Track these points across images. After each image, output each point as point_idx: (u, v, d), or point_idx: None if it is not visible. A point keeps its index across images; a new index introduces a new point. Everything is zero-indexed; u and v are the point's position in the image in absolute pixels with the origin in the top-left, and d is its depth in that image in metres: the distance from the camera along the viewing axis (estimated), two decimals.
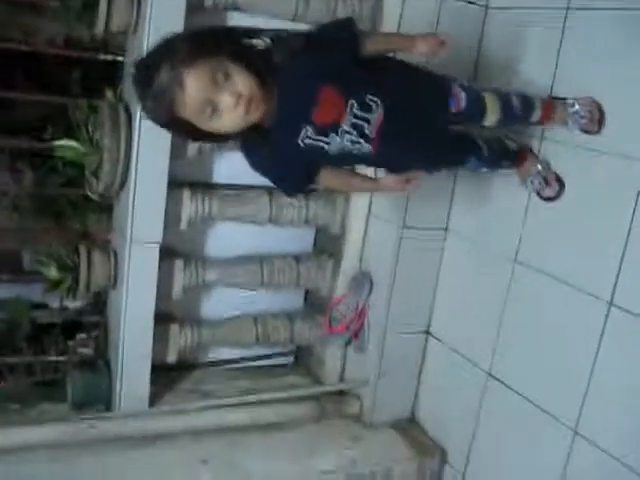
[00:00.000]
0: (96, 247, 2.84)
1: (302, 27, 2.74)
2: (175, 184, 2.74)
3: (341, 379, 3.19)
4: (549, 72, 2.56)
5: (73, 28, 2.79)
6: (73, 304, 2.99)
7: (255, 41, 1.82)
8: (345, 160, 1.98)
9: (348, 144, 1.89)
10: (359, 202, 3.04)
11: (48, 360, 2.93)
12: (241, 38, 1.81)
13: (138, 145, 2.61)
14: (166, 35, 1.73)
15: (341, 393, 3.15)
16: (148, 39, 2.55)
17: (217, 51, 1.67)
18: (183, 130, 1.76)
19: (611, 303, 2.33)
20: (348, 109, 1.85)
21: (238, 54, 1.70)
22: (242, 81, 1.67)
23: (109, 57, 2.89)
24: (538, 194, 2.54)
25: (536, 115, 2.36)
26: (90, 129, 2.71)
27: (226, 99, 1.65)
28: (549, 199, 2.52)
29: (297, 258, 3.09)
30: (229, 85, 1.65)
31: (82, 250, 2.78)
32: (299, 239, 3.19)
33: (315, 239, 3.25)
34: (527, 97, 2.36)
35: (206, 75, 1.62)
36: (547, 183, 2.49)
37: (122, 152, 2.60)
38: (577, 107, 2.37)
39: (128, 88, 2.73)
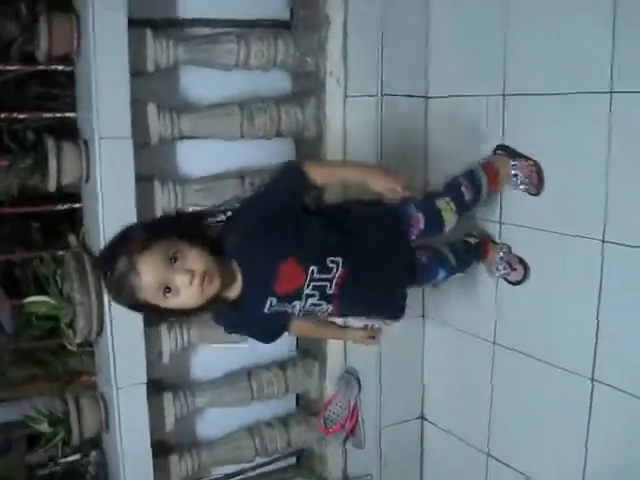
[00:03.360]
0: (83, 393, 2.84)
1: (247, 150, 2.84)
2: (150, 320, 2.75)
3: (345, 475, 3.19)
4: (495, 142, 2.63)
5: (26, 182, 2.81)
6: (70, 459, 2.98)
7: (209, 219, 1.86)
8: (311, 314, 2.02)
9: (310, 307, 1.94)
10: None
11: None
12: (194, 219, 1.86)
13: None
14: (124, 226, 1.80)
15: None
16: (101, 185, 2.59)
17: (169, 233, 1.74)
18: (149, 311, 1.82)
19: (593, 379, 2.37)
20: (309, 276, 1.90)
21: (189, 233, 1.77)
22: (194, 258, 1.72)
23: (66, 206, 2.90)
24: (505, 279, 2.60)
25: (484, 184, 2.41)
26: (58, 281, 2.74)
27: (180, 278, 1.70)
28: (517, 283, 2.58)
29: (282, 366, 3.10)
30: (181, 264, 1.71)
31: (70, 399, 2.78)
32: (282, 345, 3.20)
33: (297, 342, 3.26)
34: (472, 172, 2.43)
35: (159, 258, 1.68)
36: (512, 268, 2.55)
37: (94, 303, 2.62)
38: (516, 172, 2.47)
39: (89, 235, 2.77)
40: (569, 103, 2.35)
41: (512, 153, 2.51)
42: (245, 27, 2.81)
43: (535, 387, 2.58)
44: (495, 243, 2.62)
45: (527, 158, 2.47)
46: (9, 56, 2.74)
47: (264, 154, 2.89)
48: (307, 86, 2.92)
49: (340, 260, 1.93)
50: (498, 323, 2.69)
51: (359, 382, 3.00)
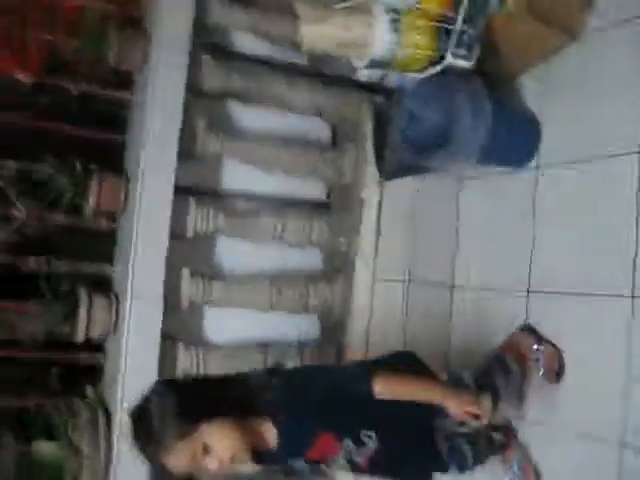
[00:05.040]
0: None
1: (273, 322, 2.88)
2: None
3: None
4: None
5: (54, 330, 2.86)
6: None
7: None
8: None
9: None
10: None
11: None
12: (226, 388, 1.86)
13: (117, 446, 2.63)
14: (148, 393, 1.78)
15: None
16: (127, 341, 2.64)
17: (194, 426, 1.71)
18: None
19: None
20: (343, 449, 1.91)
21: (221, 409, 1.75)
22: (223, 448, 1.72)
23: (89, 357, 2.94)
24: None
25: (510, 358, 2.38)
26: (69, 431, 2.73)
27: (209, 467, 1.72)
28: None
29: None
30: (210, 456, 1.71)
31: None
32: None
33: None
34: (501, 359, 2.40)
35: (185, 457, 1.69)
36: (525, 473, 2.50)
37: (102, 459, 2.61)
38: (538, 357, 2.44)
39: (107, 388, 2.79)
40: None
41: (538, 337, 2.51)
42: (283, 204, 2.95)
43: None
44: (518, 444, 2.57)
45: (552, 345, 2.46)
46: (56, 208, 2.87)
47: (289, 328, 2.94)
48: (338, 265, 3.01)
49: (373, 435, 1.93)
50: None
51: None
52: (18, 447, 2.92)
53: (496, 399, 2.29)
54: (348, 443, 1.91)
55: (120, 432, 2.60)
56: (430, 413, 2.11)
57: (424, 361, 2.20)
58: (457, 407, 1.99)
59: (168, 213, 2.68)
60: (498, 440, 2.51)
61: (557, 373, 2.44)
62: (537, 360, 2.45)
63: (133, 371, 2.62)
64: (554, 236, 2.54)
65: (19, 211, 2.84)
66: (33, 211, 2.86)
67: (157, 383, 1.83)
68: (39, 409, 2.93)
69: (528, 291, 2.65)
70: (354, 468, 1.97)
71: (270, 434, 1.84)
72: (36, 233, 2.99)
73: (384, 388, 1.92)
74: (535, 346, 2.46)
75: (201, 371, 2.69)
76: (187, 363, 2.69)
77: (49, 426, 2.87)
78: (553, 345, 2.46)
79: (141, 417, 1.75)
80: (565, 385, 2.43)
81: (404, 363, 2.12)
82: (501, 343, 2.50)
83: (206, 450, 1.71)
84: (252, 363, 2.76)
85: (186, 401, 1.80)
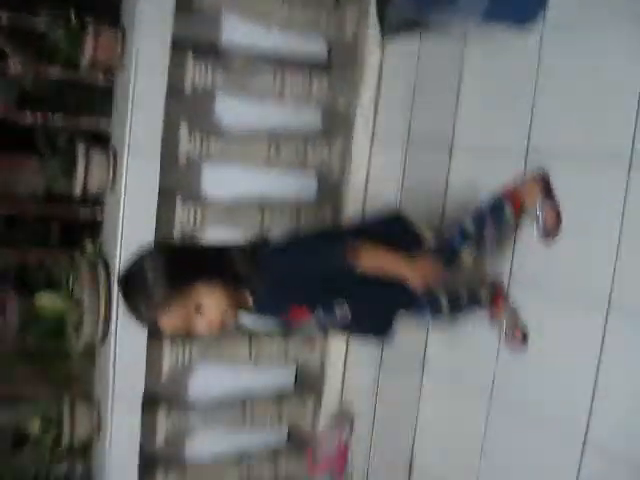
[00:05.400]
0: (80, 398, 2.87)
1: (270, 180, 2.89)
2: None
3: None
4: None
5: (53, 186, 2.87)
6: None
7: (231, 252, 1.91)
8: None
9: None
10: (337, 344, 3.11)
11: None
12: (217, 256, 1.90)
13: (117, 299, 2.67)
14: (141, 254, 1.82)
15: None
16: (125, 197, 2.65)
17: (189, 285, 1.77)
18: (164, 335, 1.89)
19: (584, 443, 2.36)
20: (315, 316, 2.04)
21: (212, 273, 1.81)
22: (214, 309, 1.79)
23: (88, 212, 2.96)
24: (504, 340, 2.60)
25: (508, 210, 2.41)
26: (70, 284, 2.78)
27: (199, 327, 1.80)
28: (514, 349, 2.57)
29: (279, 396, 3.12)
30: (202, 315, 1.78)
31: (65, 402, 2.81)
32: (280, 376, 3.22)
33: (296, 377, 3.27)
34: (498, 207, 2.41)
35: (179, 315, 1.76)
36: (513, 334, 2.55)
37: (102, 310, 2.67)
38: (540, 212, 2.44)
39: (106, 242, 2.82)
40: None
41: (548, 190, 2.51)
42: (283, 61, 2.89)
43: (527, 445, 2.56)
44: (506, 303, 2.61)
45: (555, 202, 2.46)
46: (53, 62, 2.83)
47: (286, 185, 2.95)
48: (336, 125, 2.98)
49: (345, 304, 2.05)
50: (496, 378, 2.68)
51: (352, 423, 3.01)
52: (21, 301, 3.00)
53: (482, 251, 2.34)
54: (319, 312, 2.04)
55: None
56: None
57: (411, 222, 2.25)
58: (415, 279, 2.05)
59: (165, 68, 2.63)
60: (483, 297, 2.57)
61: (553, 232, 2.45)
62: (538, 214, 2.44)
63: (131, 226, 2.64)
64: (556, 100, 2.50)
65: (14, 64, 2.80)
66: (29, 64, 2.82)
67: (147, 247, 1.87)
68: (40, 264, 2.99)
69: (527, 152, 2.63)
70: (323, 329, 2.19)
71: (249, 303, 1.93)
72: (33, 88, 2.96)
73: (367, 259, 1.98)
74: (541, 199, 2.44)
75: (198, 226, 2.72)
76: (184, 218, 2.71)
77: (50, 280, 2.93)
78: (556, 202, 2.45)
79: (135, 276, 1.79)
80: (559, 246, 2.47)
81: (388, 231, 2.17)
82: (505, 188, 2.48)
83: (198, 310, 1.77)
84: (249, 220, 2.80)
85: (178, 263, 1.84)
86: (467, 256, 2.31)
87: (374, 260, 2.00)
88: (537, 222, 2.45)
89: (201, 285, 1.77)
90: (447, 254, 2.26)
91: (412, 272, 2.05)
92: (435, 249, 2.22)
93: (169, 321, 1.75)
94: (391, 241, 2.07)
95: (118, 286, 1.83)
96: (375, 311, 2.20)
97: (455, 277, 2.41)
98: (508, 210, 2.40)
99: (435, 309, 2.40)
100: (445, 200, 2.86)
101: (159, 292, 1.73)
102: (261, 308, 1.97)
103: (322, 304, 2.04)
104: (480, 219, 2.38)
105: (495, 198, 2.44)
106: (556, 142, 2.51)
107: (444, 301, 2.41)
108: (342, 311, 2.06)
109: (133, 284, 1.79)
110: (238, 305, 1.87)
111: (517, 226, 2.53)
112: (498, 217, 2.39)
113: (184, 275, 1.77)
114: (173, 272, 1.77)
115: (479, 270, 2.63)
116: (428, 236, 2.26)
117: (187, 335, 1.83)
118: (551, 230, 2.44)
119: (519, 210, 2.44)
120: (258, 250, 1.94)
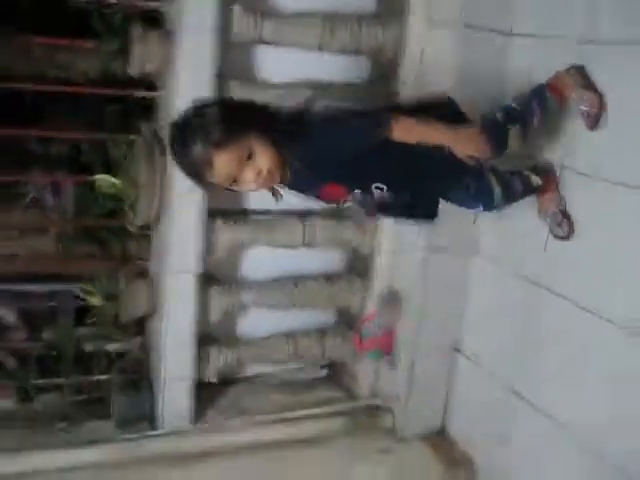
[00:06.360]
0: (136, 275, 2.98)
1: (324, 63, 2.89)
2: (209, 214, 2.85)
3: (374, 394, 3.30)
4: None
5: (109, 67, 2.90)
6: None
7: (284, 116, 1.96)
8: None
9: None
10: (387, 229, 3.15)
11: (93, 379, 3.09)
12: (272, 115, 1.95)
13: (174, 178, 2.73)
14: (199, 103, 1.91)
15: (374, 407, 3.27)
16: (180, 76, 2.67)
17: (245, 132, 1.83)
18: (208, 186, 1.94)
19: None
20: (352, 195, 2.11)
21: (266, 129, 1.87)
22: (265, 158, 1.86)
23: (144, 94, 2.99)
24: (550, 231, 2.61)
25: (551, 99, 2.41)
26: (127, 164, 2.85)
27: (247, 175, 1.86)
28: (560, 238, 2.58)
29: (329, 277, 3.20)
30: (252, 162, 1.85)
31: (123, 279, 2.92)
32: (331, 260, 3.29)
33: (347, 260, 3.34)
34: (542, 95, 2.42)
35: (233, 157, 1.82)
36: (559, 224, 2.56)
37: (157, 188, 2.73)
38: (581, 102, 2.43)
39: (163, 123, 2.86)
40: None
41: (586, 80, 2.48)
42: None
43: (574, 335, 2.60)
44: (557, 193, 2.60)
45: (598, 91, 2.42)
46: None
47: (340, 68, 2.93)
48: (391, 8, 2.94)
49: (384, 187, 2.10)
50: (546, 265, 2.70)
51: (400, 303, 3.07)
52: (78, 183, 3.09)
53: (529, 135, 2.33)
54: (357, 193, 2.10)
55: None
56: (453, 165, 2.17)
57: (457, 103, 2.27)
58: (460, 147, 2.09)
59: None
60: (534, 182, 2.56)
61: (596, 119, 2.43)
62: (579, 103, 2.42)
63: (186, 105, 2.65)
64: None
65: None
66: None
67: (203, 99, 1.97)
68: (98, 145, 3.05)
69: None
70: (363, 211, 2.17)
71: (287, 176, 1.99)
72: None
73: (402, 131, 1.99)
74: (580, 89, 2.42)
75: None
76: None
77: (107, 162, 3.00)
78: (599, 92, 2.42)
79: (195, 117, 1.86)
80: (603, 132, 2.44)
81: (433, 109, 2.18)
82: (548, 80, 2.47)
83: (250, 157, 1.84)
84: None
85: (235, 112, 1.90)
86: (514, 137, 2.30)
87: (411, 129, 2.01)
88: (580, 113, 2.44)
89: (255, 135, 1.83)
90: (494, 131, 2.25)
91: (456, 140, 2.08)
92: (482, 126, 2.23)
93: (222, 162, 1.80)
94: (436, 117, 2.09)
95: (174, 128, 1.89)
96: (419, 193, 2.24)
97: (504, 161, 2.41)
98: (551, 99, 2.41)
99: (487, 195, 2.42)
100: (499, 88, 2.83)
101: (217, 131, 1.79)
102: (297, 181, 2.02)
103: (360, 183, 2.09)
104: (526, 104, 2.38)
105: (539, 86, 2.45)
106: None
107: (497, 189, 2.43)
108: (381, 192, 2.10)
109: (191, 124, 1.84)
110: (283, 168, 1.93)
111: (562, 114, 2.53)
112: (543, 103, 2.38)
113: (241, 122, 1.84)
114: (230, 118, 1.83)
115: (528, 156, 2.63)
116: (475, 117, 2.27)
117: (235, 184, 1.87)
118: (594, 120, 2.43)
119: (561, 101, 2.44)
120: (305, 117, 1.99)
